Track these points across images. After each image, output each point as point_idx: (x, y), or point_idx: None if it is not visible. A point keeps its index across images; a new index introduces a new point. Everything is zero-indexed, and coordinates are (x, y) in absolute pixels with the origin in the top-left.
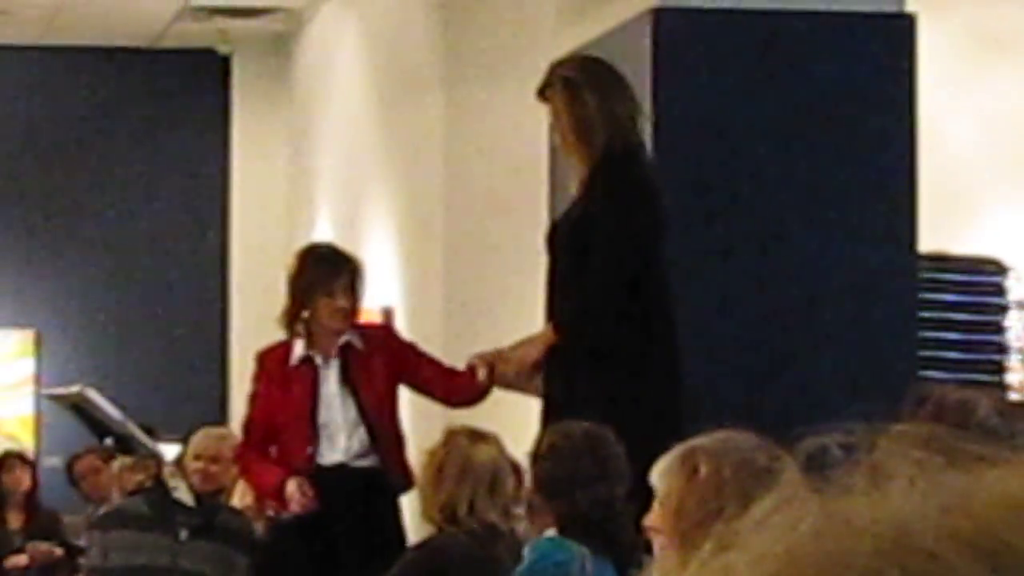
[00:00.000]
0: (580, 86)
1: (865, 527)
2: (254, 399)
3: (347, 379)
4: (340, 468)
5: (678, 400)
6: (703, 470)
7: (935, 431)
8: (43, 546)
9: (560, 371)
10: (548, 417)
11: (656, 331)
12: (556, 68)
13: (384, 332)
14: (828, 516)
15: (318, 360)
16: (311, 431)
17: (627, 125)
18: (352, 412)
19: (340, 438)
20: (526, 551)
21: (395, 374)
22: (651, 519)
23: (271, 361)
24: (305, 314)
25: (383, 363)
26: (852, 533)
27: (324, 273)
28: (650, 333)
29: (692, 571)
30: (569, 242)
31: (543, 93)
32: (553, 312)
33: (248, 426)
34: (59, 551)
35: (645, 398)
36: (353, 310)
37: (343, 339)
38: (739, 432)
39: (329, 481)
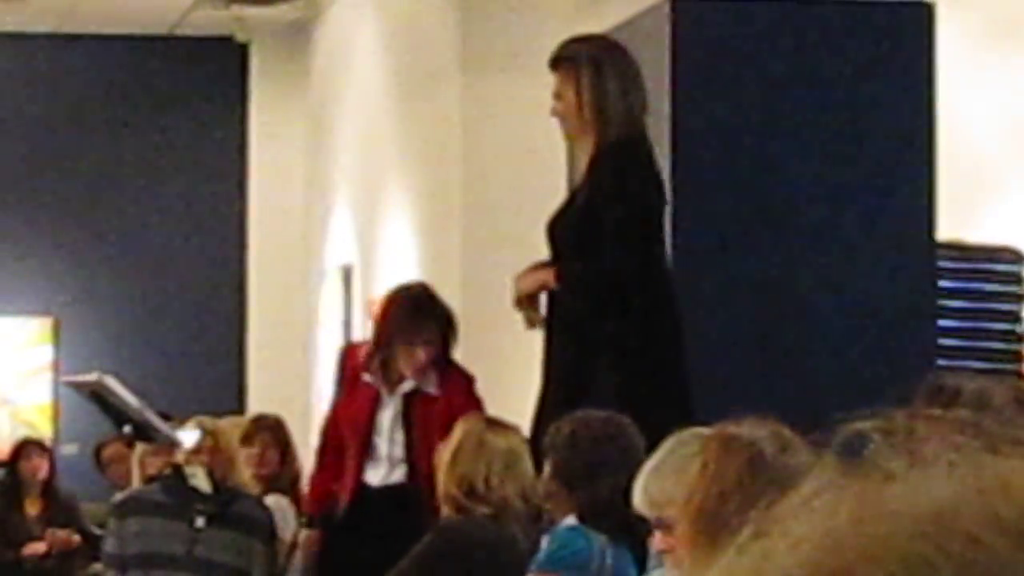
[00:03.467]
0: (605, 67)
1: (905, 511)
2: (337, 394)
3: (406, 415)
4: (378, 490)
5: (686, 390)
6: (715, 461)
7: (973, 417)
8: (61, 533)
9: (561, 362)
10: (544, 407)
11: (660, 322)
12: (579, 44)
13: (464, 386)
14: (867, 501)
15: (382, 390)
16: (362, 449)
17: (639, 117)
18: (399, 449)
19: (382, 466)
20: (545, 540)
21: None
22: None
23: (351, 360)
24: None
25: (447, 412)
26: (892, 517)
27: (407, 322)
28: (654, 324)
29: (730, 557)
30: (576, 228)
31: (558, 64)
32: (555, 306)
33: (326, 423)
34: (77, 538)
35: (652, 389)
36: (435, 360)
37: (409, 385)
38: (753, 421)
39: (367, 499)
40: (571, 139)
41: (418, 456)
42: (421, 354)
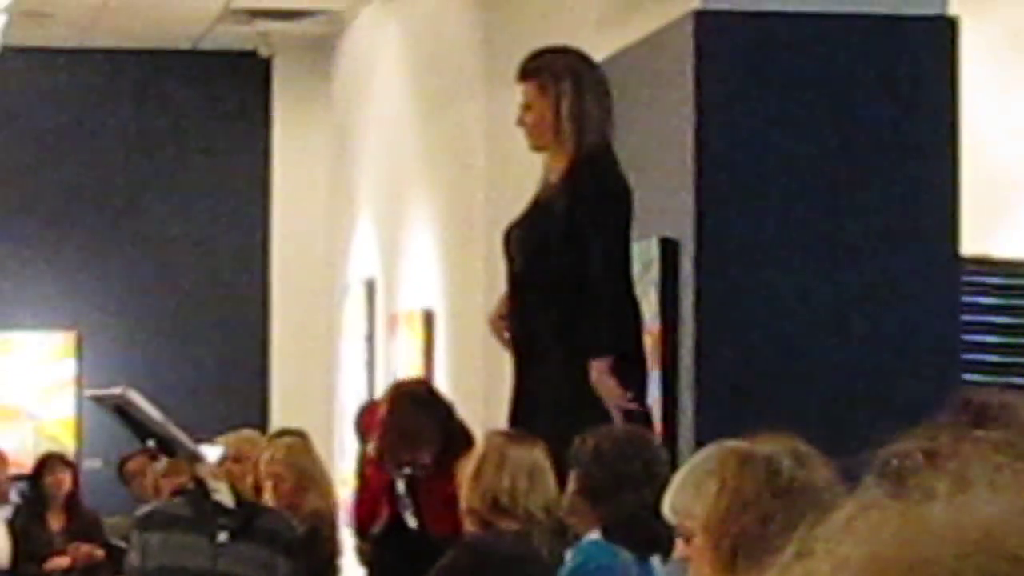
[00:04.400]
0: (586, 82)
1: (948, 532)
2: (362, 446)
3: (413, 492)
4: (415, 532)
5: (644, 396)
6: (733, 478)
7: (1014, 437)
8: (84, 547)
9: (534, 366)
10: (518, 414)
11: (636, 335)
12: (555, 57)
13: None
14: (910, 521)
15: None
16: (393, 497)
17: (609, 128)
18: (413, 511)
19: (412, 515)
20: (569, 554)
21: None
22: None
23: (368, 424)
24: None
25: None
26: (935, 537)
27: (408, 425)
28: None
29: None
30: (558, 239)
31: (531, 76)
32: (519, 312)
33: (362, 460)
34: (100, 552)
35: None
36: (440, 463)
37: (409, 470)
38: (770, 436)
39: (404, 533)
40: (538, 150)
41: (429, 524)
42: (426, 456)
